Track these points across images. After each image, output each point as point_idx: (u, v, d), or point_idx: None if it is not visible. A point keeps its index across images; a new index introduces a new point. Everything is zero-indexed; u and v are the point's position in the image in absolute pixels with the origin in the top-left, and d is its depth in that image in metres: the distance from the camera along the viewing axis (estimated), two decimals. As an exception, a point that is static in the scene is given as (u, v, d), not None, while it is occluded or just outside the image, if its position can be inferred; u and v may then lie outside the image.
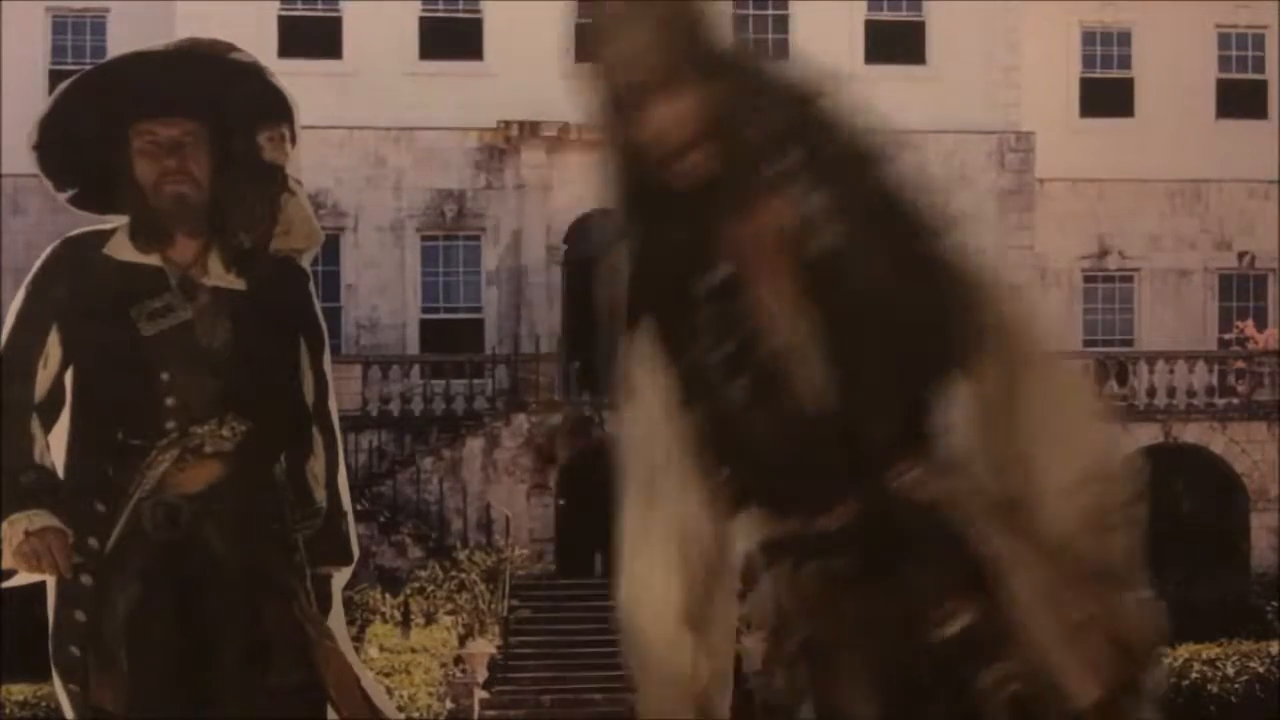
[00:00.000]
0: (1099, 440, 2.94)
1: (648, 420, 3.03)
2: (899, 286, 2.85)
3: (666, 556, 3.04)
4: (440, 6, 36.20)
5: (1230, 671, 18.36)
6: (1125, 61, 38.77)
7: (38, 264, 4.72)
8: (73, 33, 36.52)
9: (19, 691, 21.51)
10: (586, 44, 2.96)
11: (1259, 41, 38.90)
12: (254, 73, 4.71)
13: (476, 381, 34.50)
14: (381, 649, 25.76)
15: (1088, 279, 37.83)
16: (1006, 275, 2.99)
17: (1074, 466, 2.88)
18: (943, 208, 2.94)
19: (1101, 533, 2.89)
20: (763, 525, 2.99)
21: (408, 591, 29.26)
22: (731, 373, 2.90)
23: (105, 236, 4.69)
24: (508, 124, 35.16)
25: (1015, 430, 2.89)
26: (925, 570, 2.88)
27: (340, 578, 4.89)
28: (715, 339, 2.91)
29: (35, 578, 4.60)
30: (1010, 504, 2.88)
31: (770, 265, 2.90)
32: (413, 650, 26.28)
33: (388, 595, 28.81)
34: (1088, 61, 38.76)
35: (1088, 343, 36.32)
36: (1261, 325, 36.75)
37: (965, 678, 2.86)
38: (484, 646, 28.08)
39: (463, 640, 28.26)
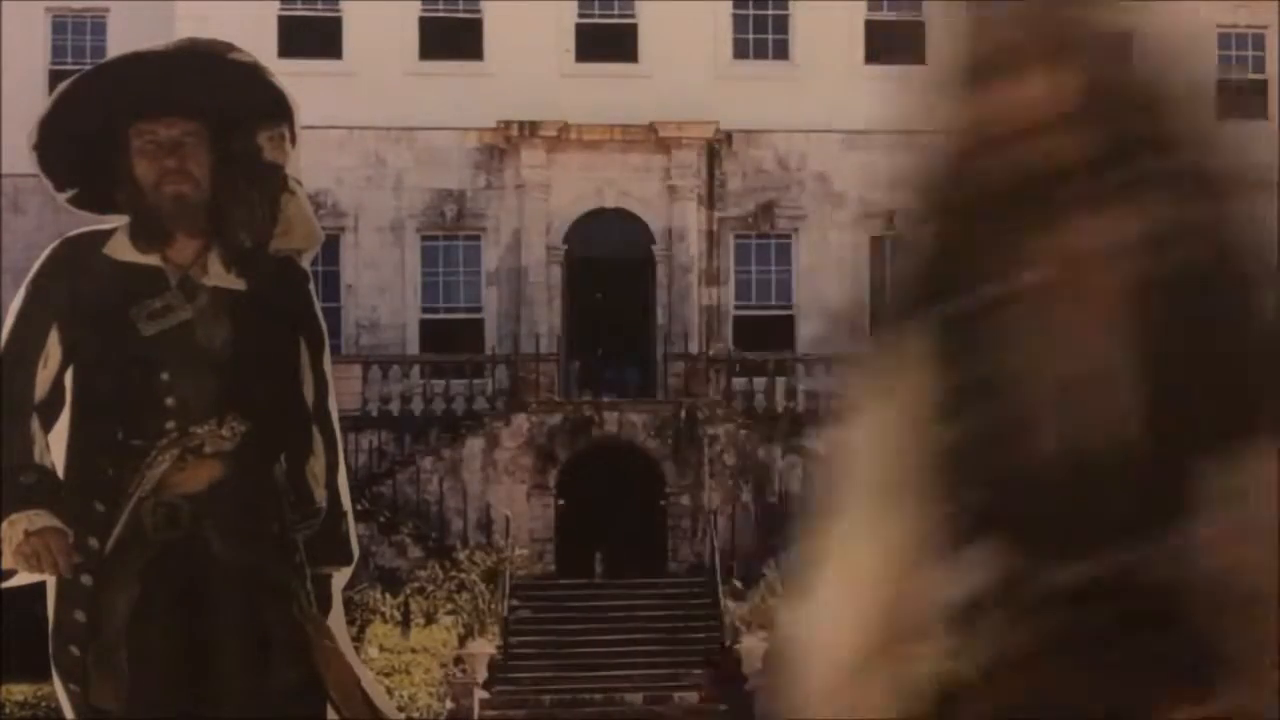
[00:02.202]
0: None
1: (897, 422, 2.66)
2: (1240, 335, 2.54)
3: (867, 583, 2.67)
4: (440, 6, 36.19)
5: (1230, 671, 18.37)
6: (1125, 61, 38.73)
7: (38, 264, 4.72)
8: (73, 33, 36.50)
9: (19, 691, 21.51)
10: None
11: (1259, 41, 38.90)
12: (254, 73, 4.70)
13: (476, 381, 34.49)
14: (381, 649, 25.76)
15: (1088, 279, 37.81)
16: None
17: None
18: None
19: None
20: (989, 566, 2.61)
21: (408, 591, 29.26)
22: (1009, 390, 2.55)
23: (105, 236, 4.69)
24: (508, 124, 35.15)
25: None
26: (1179, 648, 2.53)
27: (340, 578, 4.89)
28: (999, 351, 2.56)
29: (35, 578, 4.60)
30: None
31: (1088, 279, 2.56)
32: (413, 650, 26.29)
33: (388, 595, 28.80)
34: (1088, 61, 38.73)
35: (1088, 343, 36.30)
36: (1261, 325, 36.70)
37: None
38: (484, 646, 28.08)
39: (463, 640, 28.26)
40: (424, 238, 35.95)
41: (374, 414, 33.17)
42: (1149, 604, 2.52)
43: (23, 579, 4.62)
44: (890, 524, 2.65)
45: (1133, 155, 2.57)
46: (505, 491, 32.68)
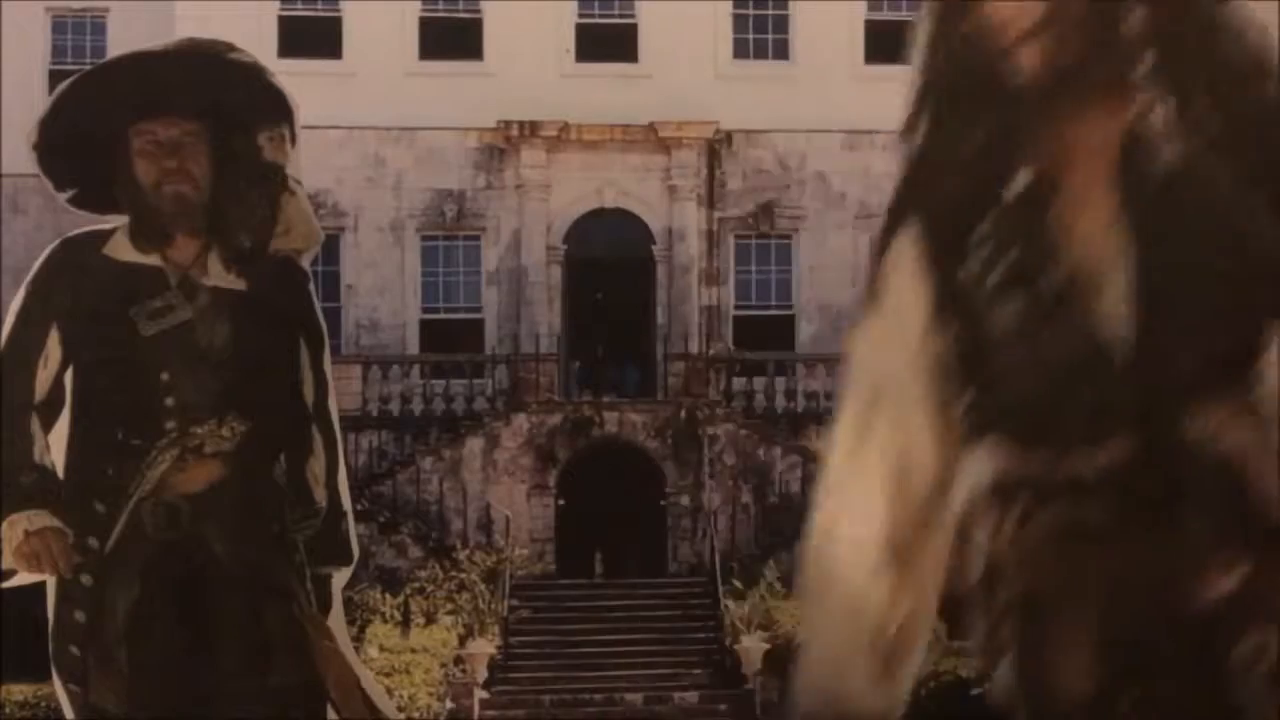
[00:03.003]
0: None
1: (888, 331, 2.71)
2: (1244, 225, 2.52)
3: (880, 481, 2.71)
4: (440, 6, 36.21)
5: (1230, 671, 18.36)
6: (1125, 61, 38.78)
7: (37, 264, 4.72)
8: (73, 33, 36.53)
9: (19, 691, 21.53)
10: None
11: (1259, 41, 38.91)
12: (254, 73, 4.71)
13: (476, 381, 34.52)
14: (381, 649, 25.77)
15: (1088, 279, 37.84)
16: None
17: None
18: None
19: None
20: (1000, 462, 2.63)
21: (408, 591, 29.28)
22: (1009, 288, 2.58)
23: (105, 236, 4.69)
24: (508, 124, 35.18)
25: None
26: (1199, 528, 2.54)
27: (340, 578, 4.89)
28: (998, 250, 2.59)
29: (35, 578, 4.60)
30: None
31: (1087, 177, 2.58)
32: (413, 650, 26.30)
33: (388, 595, 28.82)
34: (1088, 61, 38.77)
35: (1088, 343, 36.34)
36: (1261, 325, 36.73)
37: (1218, 650, 2.54)
38: (484, 646, 28.09)
39: (463, 640, 28.28)
40: (424, 238, 35.97)
41: (374, 414, 33.19)
42: (1157, 492, 2.54)
43: (23, 579, 4.62)
44: (895, 429, 2.71)
45: (1138, 53, 2.57)
46: (505, 491, 32.71)
